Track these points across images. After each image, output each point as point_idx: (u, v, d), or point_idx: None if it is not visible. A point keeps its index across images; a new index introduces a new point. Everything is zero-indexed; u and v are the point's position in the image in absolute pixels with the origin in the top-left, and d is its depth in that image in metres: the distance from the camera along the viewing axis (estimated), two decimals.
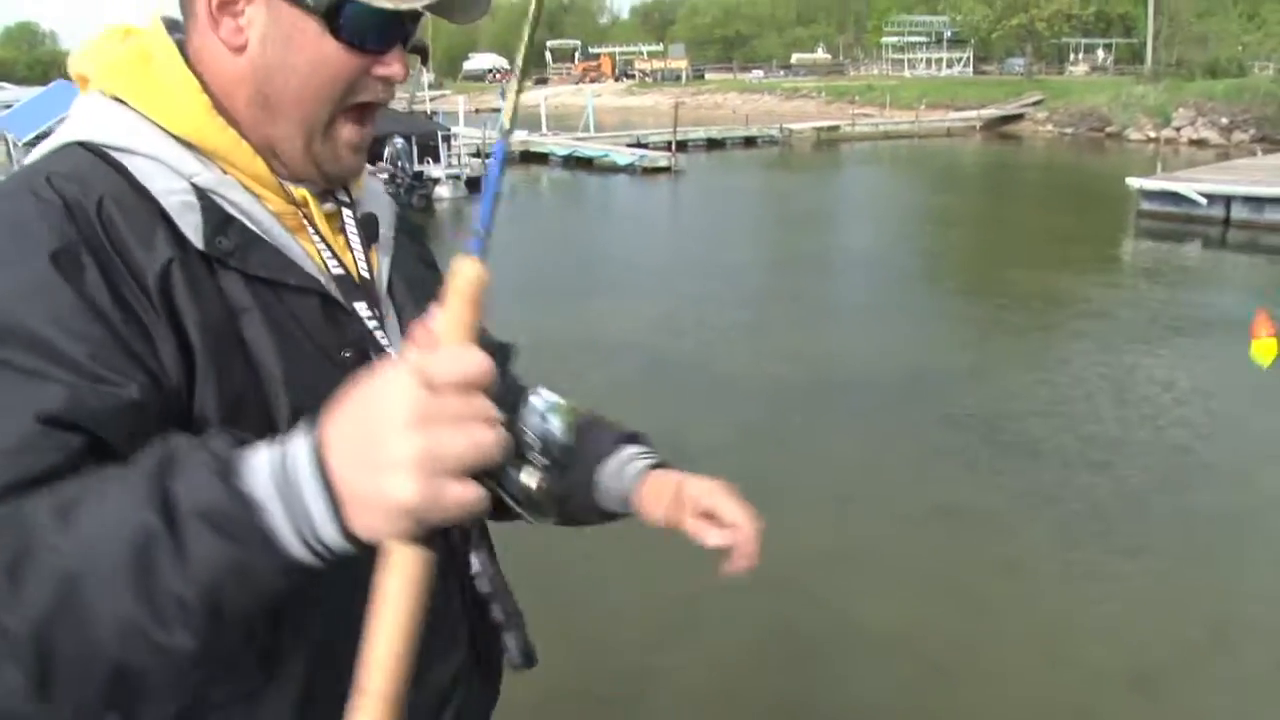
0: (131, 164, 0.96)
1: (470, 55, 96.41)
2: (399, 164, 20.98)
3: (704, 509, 1.24)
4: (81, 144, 0.98)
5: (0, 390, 0.79)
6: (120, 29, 1.08)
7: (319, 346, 1.01)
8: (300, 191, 1.07)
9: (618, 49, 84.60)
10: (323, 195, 1.11)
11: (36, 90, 25.33)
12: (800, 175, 29.57)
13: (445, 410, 0.70)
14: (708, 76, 72.97)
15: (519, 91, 0.82)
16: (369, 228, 1.16)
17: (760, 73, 73.44)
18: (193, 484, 0.72)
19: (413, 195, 21.08)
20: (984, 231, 18.72)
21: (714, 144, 35.29)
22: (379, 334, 1.07)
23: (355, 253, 1.12)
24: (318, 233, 1.08)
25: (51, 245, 0.87)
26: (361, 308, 1.07)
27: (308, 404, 0.85)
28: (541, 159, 30.48)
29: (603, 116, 44.12)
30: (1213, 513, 6.16)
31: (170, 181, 0.96)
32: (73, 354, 0.82)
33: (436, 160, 22.61)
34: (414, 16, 1.04)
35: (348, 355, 1.03)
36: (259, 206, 1.01)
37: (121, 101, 1.00)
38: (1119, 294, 12.61)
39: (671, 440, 7.00)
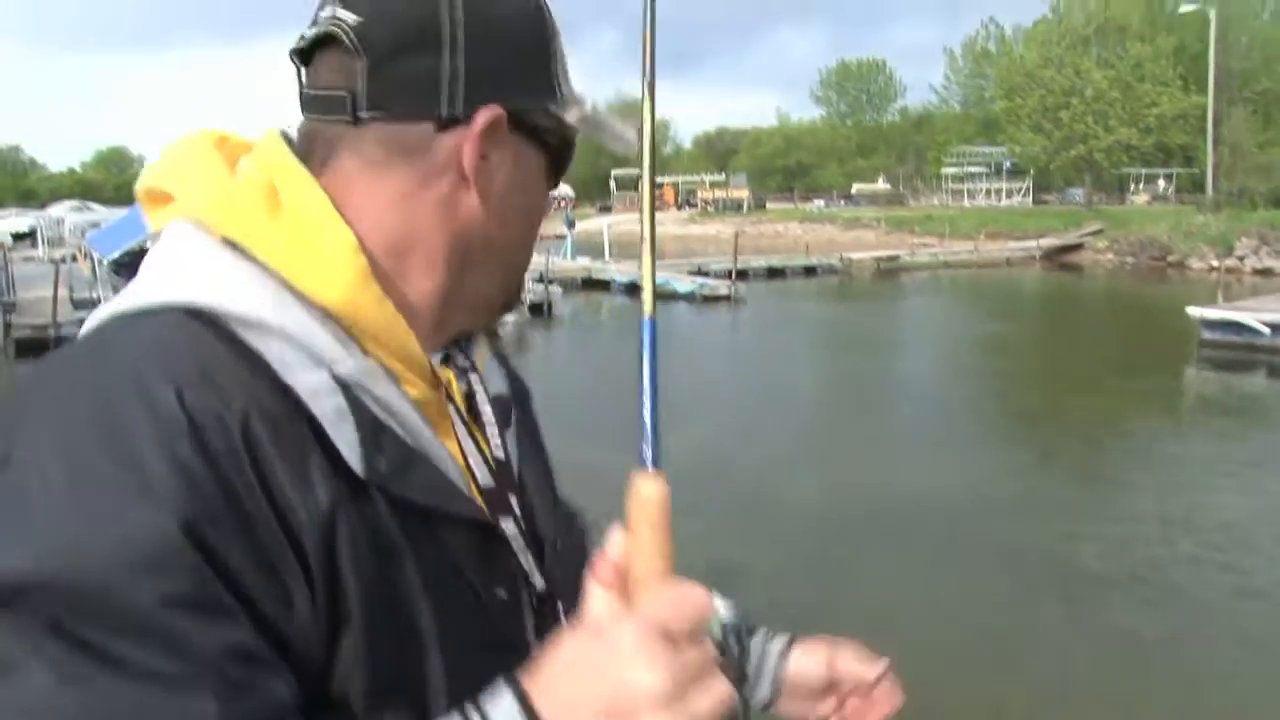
0: (266, 348, 0.73)
1: None
2: None
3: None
4: (192, 311, 0.73)
5: (128, 708, 0.59)
6: (210, 135, 0.88)
7: (473, 588, 0.82)
8: (445, 371, 0.89)
9: (681, 178, 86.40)
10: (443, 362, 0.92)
11: (123, 211, 25.79)
12: (859, 304, 29.82)
13: (689, 670, 0.64)
14: (769, 206, 74.08)
15: (653, 263, 0.76)
16: (504, 410, 0.97)
17: (821, 202, 74.50)
18: None
19: None
20: (1042, 360, 18.73)
21: (774, 272, 35.70)
22: (525, 559, 0.89)
23: (492, 446, 0.92)
24: (464, 425, 0.89)
25: (184, 509, 0.63)
26: (508, 526, 0.89)
27: (463, 666, 0.76)
28: (603, 286, 31.02)
29: (665, 245, 44.97)
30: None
31: (310, 373, 0.74)
32: (211, 652, 0.62)
33: None
34: None
35: (502, 595, 0.85)
36: (403, 400, 0.79)
37: (235, 247, 0.77)
38: (1180, 425, 12.53)
39: (718, 566, 7.15)
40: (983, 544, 8.00)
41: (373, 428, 0.75)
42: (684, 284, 28.59)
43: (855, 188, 79.65)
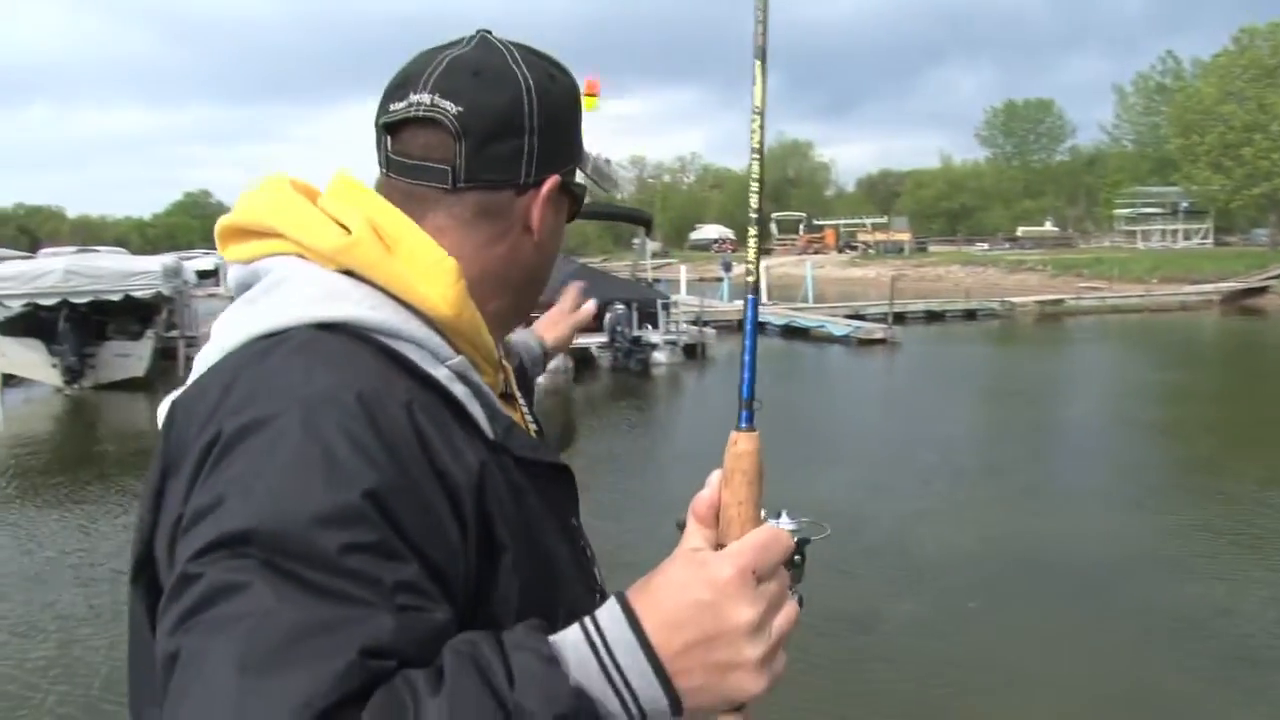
0: (404, 350, 0.94)
1: (698, 226, 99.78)
2: (618, 329, 22.10)
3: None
4: (328, 325, 0.93)
5: (323, 618, 0.74)
6: (286, 179, 1.07)
7: (562, 519, 1.05)
8: (507, 366, 1.17)
9: (842, 221, 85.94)
10: None
11: None
12: (1020, 349, 29.15)
13: (772, 601, 0.82)
14: (931, 249, 73.04)
15: (759, 253, 1.01)
16: (524, 380, 1.34)
17: (985, 245, 72.97)
18: (540, 692, 0.74)
19: (630, 359, 22.09)
20: (1215, 411, 17.88)
21: (933, 316, 35.20)
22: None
23: (529, 418, 1.24)
24: (515, 400, 1.20)
25: (366, 481, 0.81)
26: None
27: (568, 579, 1.02)
28: (759, 328, 31.02)
29: (824, 287, 44.80)
30: None
31: (438, 368, 0.95)
32: (387, 584, 0.77)
33: (655, 326, 23.61)
34: None
35: (575, 523, 1.09)
36: (486, 385, 1.00)
37: (351, 275, 0.97)
38: None
39: (856, 610, 7.24)
40: (1132, 607, 7.76)
41: (487, 405, 0.98)
42: (839, 327, 28.54)
43: (1021, 230, 77.69)
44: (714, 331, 26.62)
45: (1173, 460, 13.92)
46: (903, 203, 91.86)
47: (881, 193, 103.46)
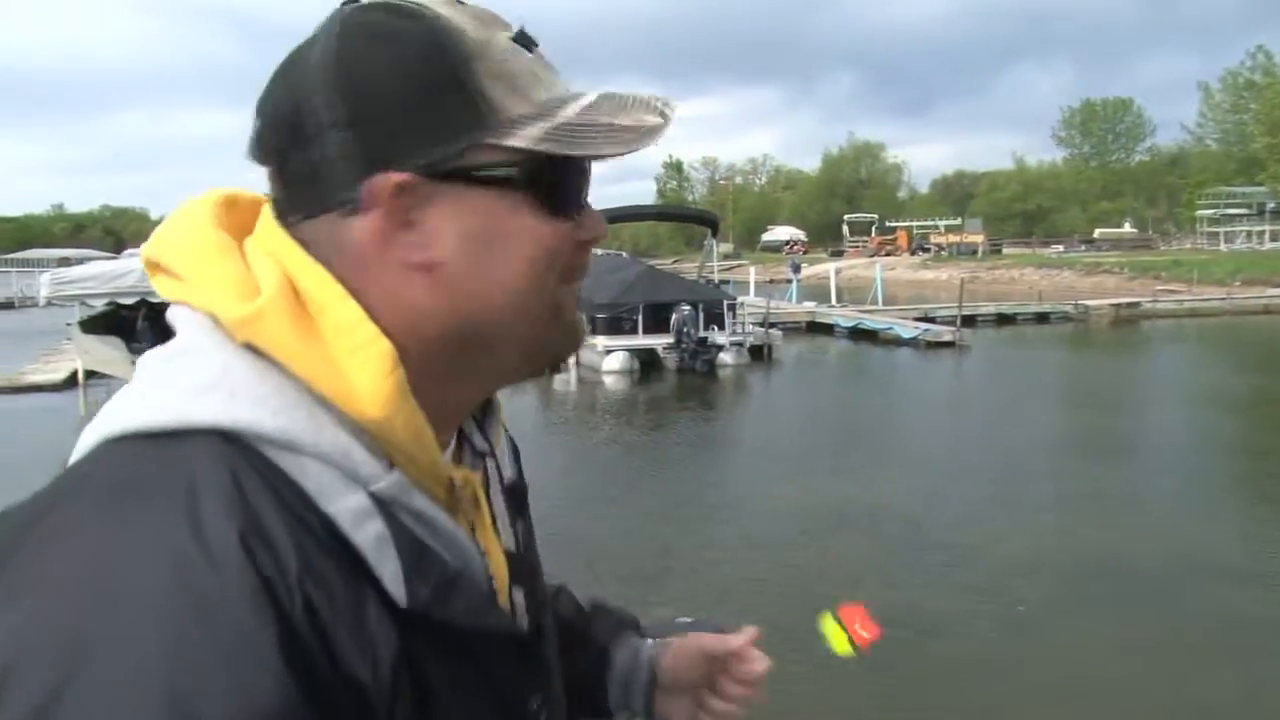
0: (301, 471, 0.69)
1: (769, 227, 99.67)
2: (684, 330, 22.26)
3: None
4: (224, 434, 0.68)
5: None
6: (215, 203, 0.81)
7: (511, 702, 0.81)
8: (462, 473, 0.82)
9: (915, 223, 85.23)
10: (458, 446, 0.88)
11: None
12: (1093, 353, 28.70)
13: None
14: (1005, 251, 72.14)
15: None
16: (517, 499, 0.94)
17: (1060, 247, 71.88)
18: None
19: (697, 360, 22.25)
20: None
21: (1004, 319, 34.83)
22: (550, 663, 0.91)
23: (506, 537, 0.89)
24: (486, 523, 0.86)
25: (281, 674, 0.60)
26: (519, 610, 0.88)
27: None
28: (827, 330, 31.18)
29: (895, 290, 44.54)
30: None
31: (349, 497, 0.70)
32: None
33: (722, 328, 23.72)
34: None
35: (534, 706, 0.84)
36: (438, 510, 0.76)
37: (257, 353, 0.72)
38: None
39: (910, 614, 7.29)
40: (1202, 616, 7.67)
41: (414, 551, 0.72)
42: (908, 329, 28.39)
43: (1098, 232, 76.35)
44: (780, 333, 26.68)
45: (1249, 467, 13.67)
46: (977, 204, 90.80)
47: (956, 194, 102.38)
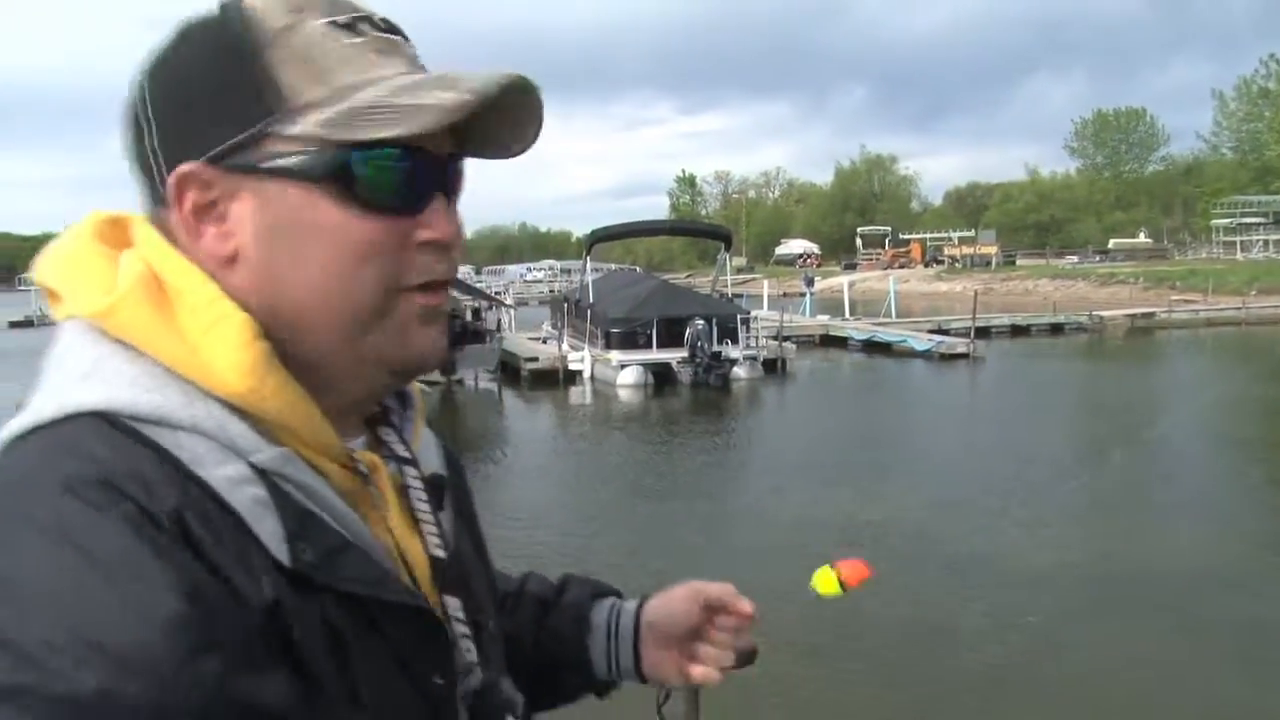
0: (176, 444, 0.70)
1: (783, 241, 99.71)
2: (698, 344, 22.33)
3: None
4: (95, 415, 0.70)
5: None
6: (94, 223, 0.82)
7: (413, 675, 0.79)
8: (367, 456, 0.82)
9: (928, 235, 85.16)
10: (373, 448, 0.87)
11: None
12: (1108, 364, 28.64)
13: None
14: (1019, 262, 71.97)
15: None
16: (437, 493, 0.91)
17: (1074, 258, 71.68)
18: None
19: (710, 374, 22.31)
20: None
21: (1018, 330, 34.86)
22: (463, 646, 0.87)
23: (426, 532, 0.87)
24: (397, 513, 0.85)
25: (171, 580, 0.62)
26: (453, 606, 0.87)
27: None
28: (841, 343, 31.22)
29: (909, 302, 44.52)
30: None
31: (226, 466, 0.70)
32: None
33: (735, 341, 23.78)
34: (446, 159, 0.80)
35: (438, 682, 0.82)
36: (325, 487, 0.75)
37: (130, 347, 0.73)
38: None
39: (929, 623, 7.32)
40: (1220, 625, 7.67)
41: (298, 515, 0.72)
42: (921, 341, 28.42)
43: (1113, 242, 76.13)
44: (794, 346, 26.72)
45: (1268, 477, 13.61)
46: (990, 216, 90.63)
47: (969, 206, 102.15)
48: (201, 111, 0.75)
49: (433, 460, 0.94)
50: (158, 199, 0.77)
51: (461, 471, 1.03)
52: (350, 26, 0.76)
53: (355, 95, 0.74)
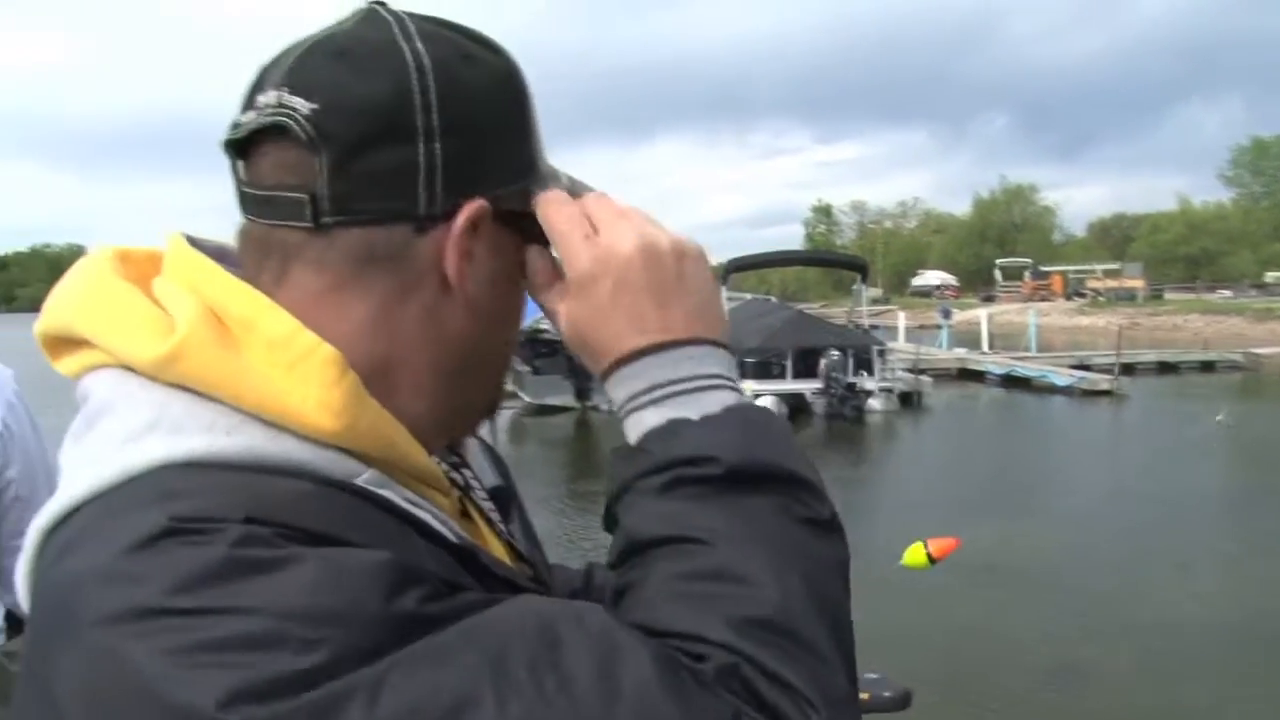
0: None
1: (919, 272, 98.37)
2: (833, 375, 22.32)
3: None
4: (190, 465, 0.63)
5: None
6: (107, 257, 0.74)
7: None
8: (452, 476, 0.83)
9: (1070, 268, 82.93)
10: None
11: None
12: (1265, 404, 27.44)
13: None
14: (1167, 296, 69.50)
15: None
16: (504, 503, 0.92)
17: (1228, 292, 68.87)
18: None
19: (845, 406, 22.26)
20: None
21: (1165, 368, 33.66)
22: None
23: (504, 539, 0.88)
24: (483, 520, 0.86)
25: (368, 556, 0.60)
26: None
27: None
28: (978, 376, 30.70)
29: (1050, 336, 43.45)
30: None
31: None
32: None
33: (870, 373, 23.69)
34: None
35: None
36: (422, 500, 0.72)
37: (186, 390, 0.66)
38: None
39: (1062, 665, 7.28)
40: None
41: (433, 514, 0.71)
42: (1062, 377, 27.80)
43: (1270, 276, 72.87)
44: (930, 380, 26.45)
45: None
46: (1137, 248, 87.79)
47: (1114, 237, 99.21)
48: (489, 146, 0.74)
49: (486, 471, 0.94)
50: (376, 208, 0.70)
51: (509, 474, 0.99)
52: None
53: (560, 176, 0.81)
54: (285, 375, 0.66)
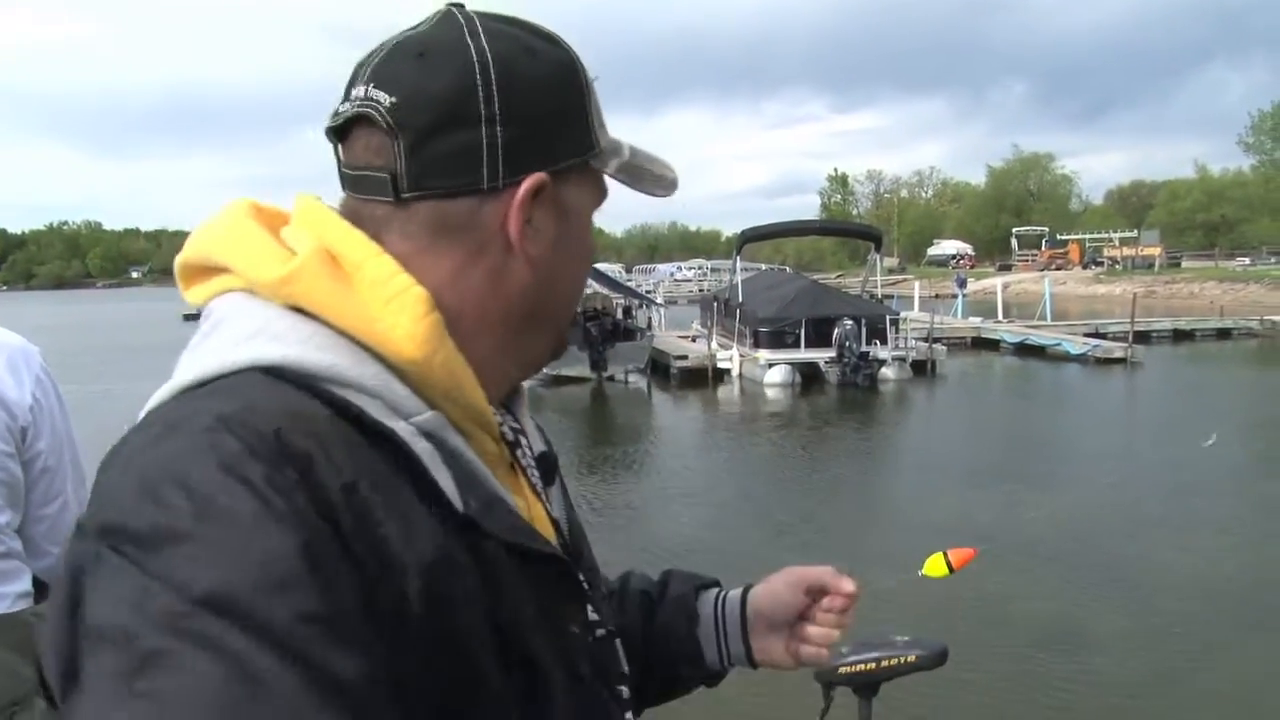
0: (349, 399, 0.76)
1: (936, 241, 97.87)
2: (846, 344, 22.45)
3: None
4: (270, 369, 0.76)
5: (271, 711, 0.60)
6: (246, 205, 0.88)
7: (554, 623, 0.86)
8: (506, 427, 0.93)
9: (1087, 236, 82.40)
10: None
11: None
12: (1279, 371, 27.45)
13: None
14: (1185, 264, 69.04)
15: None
16: (548, 469, 1.00)
17: (1247, 260, 68.34)
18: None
19: (858, 374, 22.40)
20: None
21: (1180, 335, 33.54)
22: (591, 601, 0.95)
23: (541, 499, 0.96)
24: (527, 481, 0.94)
25: (300, 533, 0.66)
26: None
27: (559, 696, 0.83)
28: (993, 345, 30.75)
29: (1066, 305, 43.29)
30: None
31: (397, 422, 0.77)
32: (345, 675, 0.64)
33: (884, 342, 23.82)
34: None
35: (575, 631, 0.89)
36: (472, 453, 0.83)
37: (301, 312, 0.79)
38: None
39: (1067, 629, 7.40)
40: None
41: (462, 470, 0.80)
42: (1076, 345, 27.81)
43: None
44: (944, 348, 26.52)
45: None
46: (1155, 215, 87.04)
47: (1132, 205, 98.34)
48: (548, 127, 0.86)
49: (537, 440, 1.03)
50: (445, 185, 0.83)
51: (556, 455, 1.08)
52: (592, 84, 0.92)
53: (621, 149, 0.93)
54: (383, 307, 0.79)
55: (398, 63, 0.84)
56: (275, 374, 0.75)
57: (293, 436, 0.69)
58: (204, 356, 0.78)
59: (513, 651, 0.79)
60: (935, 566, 1.50)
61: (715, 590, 1.25)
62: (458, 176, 0.83)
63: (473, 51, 0.83)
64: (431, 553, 0.73)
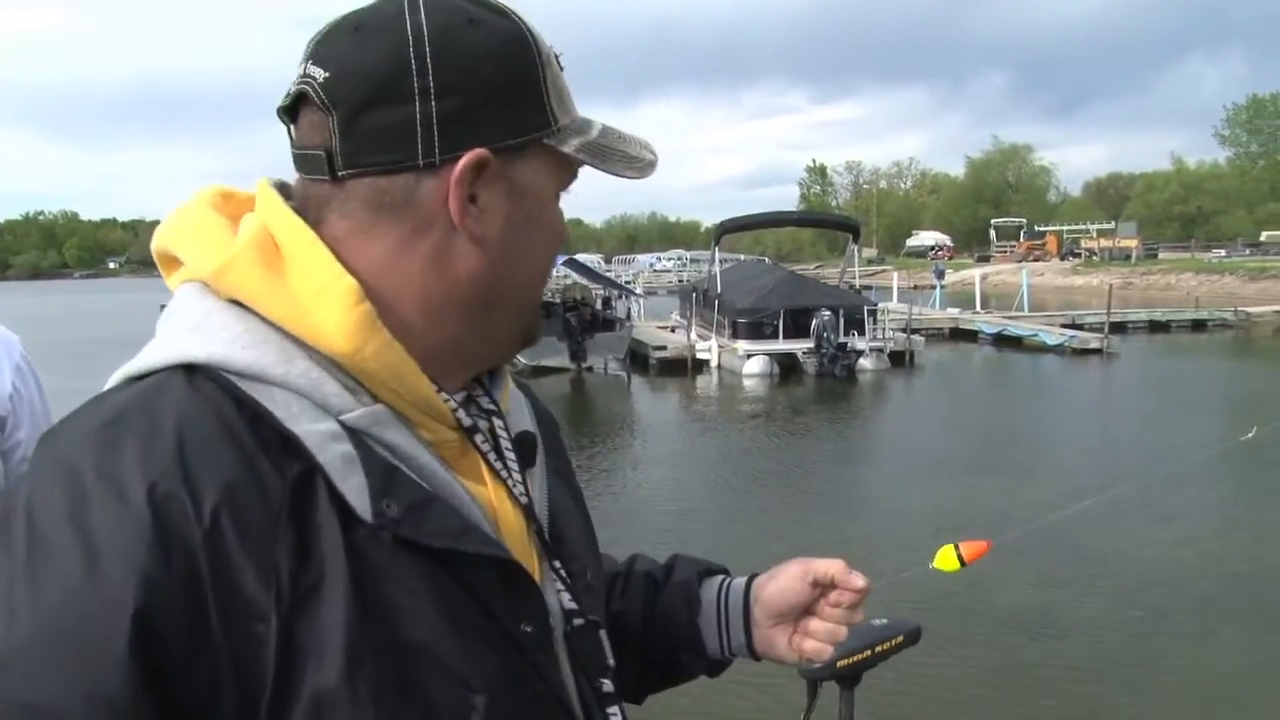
0: (270, 400, 0.75)
1: (914, 232, 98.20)
2: (824, 335, 22.52)
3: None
4: (191, 368, 0.76)
5: None
6: (211, 194, 0.88)
7: (501, 623, 0.82)
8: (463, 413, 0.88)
9: (1065, 227, 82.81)
10: (465, 404, 0.90)
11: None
12: (1253, 362, 27.53)
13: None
14: (1161, 256, 69.39)
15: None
16: (526, 450, 0.94)
17: (1222, 252, 68.78)
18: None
19: (836, 365, 22.48)
20: None
21: (1156, 326, 33.78)
22: (555, 594, 0.91)
23: (513, 483, 0.90)
24: (489, 466, 0.89)
25: (134, 600, 0.66)
26: (537, 563, 0.91)
27: (501, 702, 0.79)
28: (970, 336, 30.89)
29: (1044, 296, 43.52)
30: None
31: (317, 423, 0.76)
32: None
33: (862, 333, 23.89)
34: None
35: (528, 630, 0.84)
36: (416, 444, 0.81)
37: (240, 305, 0.79)
38: None
39: (1043, 618, 7.44)
40: None
41: (383, 472, 0.76)
42: (1053, 336, 27.99)
43: (1265, 235, 72.67)
44: (922, 339, 26.62)
45: None
46: (1132, 208, 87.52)
47: (1110, 197, 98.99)
48: (491, 102, 0.82)
49: (523, 419, 0.99)
50: (381, 161, 0.80)
51: (555, 429, 1.08)
52: (557, 60, 0.88)
53: (589, 129, 0.89)
54: (314, 298, 0.78)
55: (335, 38, 0.82)
56: (200, 372, 0.76)
57: (167, 490, 0.69)
58: (148, 349, 0.79)
59: (421, 658, 0.76)
60: (946, 559, 1.43)
61: (721, 578, 1.20)
62: (393, 152, 0.80)
63: (408, 24, 0.80)
64: (314, 579, 0.72)
